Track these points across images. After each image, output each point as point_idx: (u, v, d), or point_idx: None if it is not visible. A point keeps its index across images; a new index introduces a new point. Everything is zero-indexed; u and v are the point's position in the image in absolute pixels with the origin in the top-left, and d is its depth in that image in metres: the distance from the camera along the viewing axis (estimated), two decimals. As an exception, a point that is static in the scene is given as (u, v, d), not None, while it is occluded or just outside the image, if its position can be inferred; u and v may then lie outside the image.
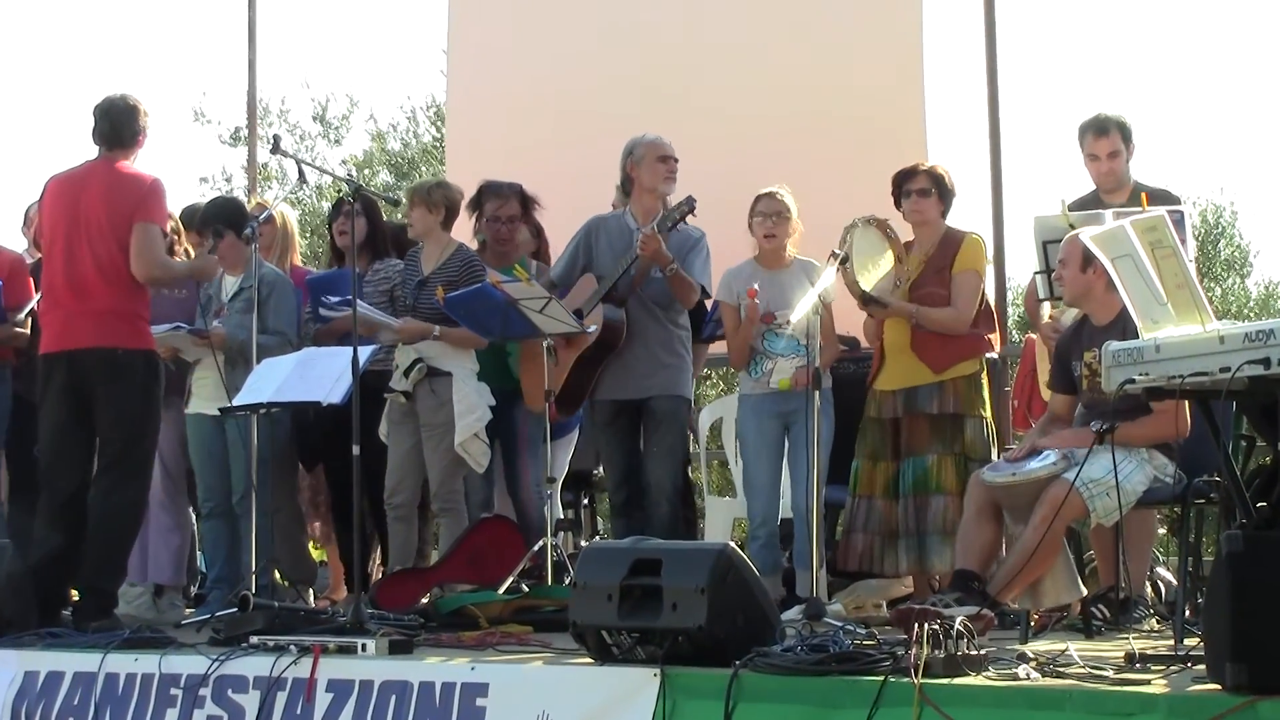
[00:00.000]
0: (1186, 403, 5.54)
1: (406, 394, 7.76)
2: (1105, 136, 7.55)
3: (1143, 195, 7.24)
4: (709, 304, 8.06)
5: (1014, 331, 9.86)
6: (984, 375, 7.40)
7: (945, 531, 7.11)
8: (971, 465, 7.16)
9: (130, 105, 7.28)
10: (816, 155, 8.95)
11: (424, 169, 24.57)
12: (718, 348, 8.28)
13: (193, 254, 8.19)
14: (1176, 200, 7.36)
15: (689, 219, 7.51)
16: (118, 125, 7.26)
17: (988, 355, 7.53)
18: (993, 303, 8.39)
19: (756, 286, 7.45)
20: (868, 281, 7.25)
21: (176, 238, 8.18)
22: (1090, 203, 7.45)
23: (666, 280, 7.52)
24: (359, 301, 7.24)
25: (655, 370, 7.61)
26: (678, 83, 9.47)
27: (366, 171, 26.12)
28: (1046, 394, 7.54)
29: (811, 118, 9.17)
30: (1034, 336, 7.92)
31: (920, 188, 7.42)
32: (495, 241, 8.25)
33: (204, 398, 7.93)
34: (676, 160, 7.75)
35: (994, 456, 7.17)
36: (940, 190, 7.44)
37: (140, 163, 7.34)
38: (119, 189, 7.18)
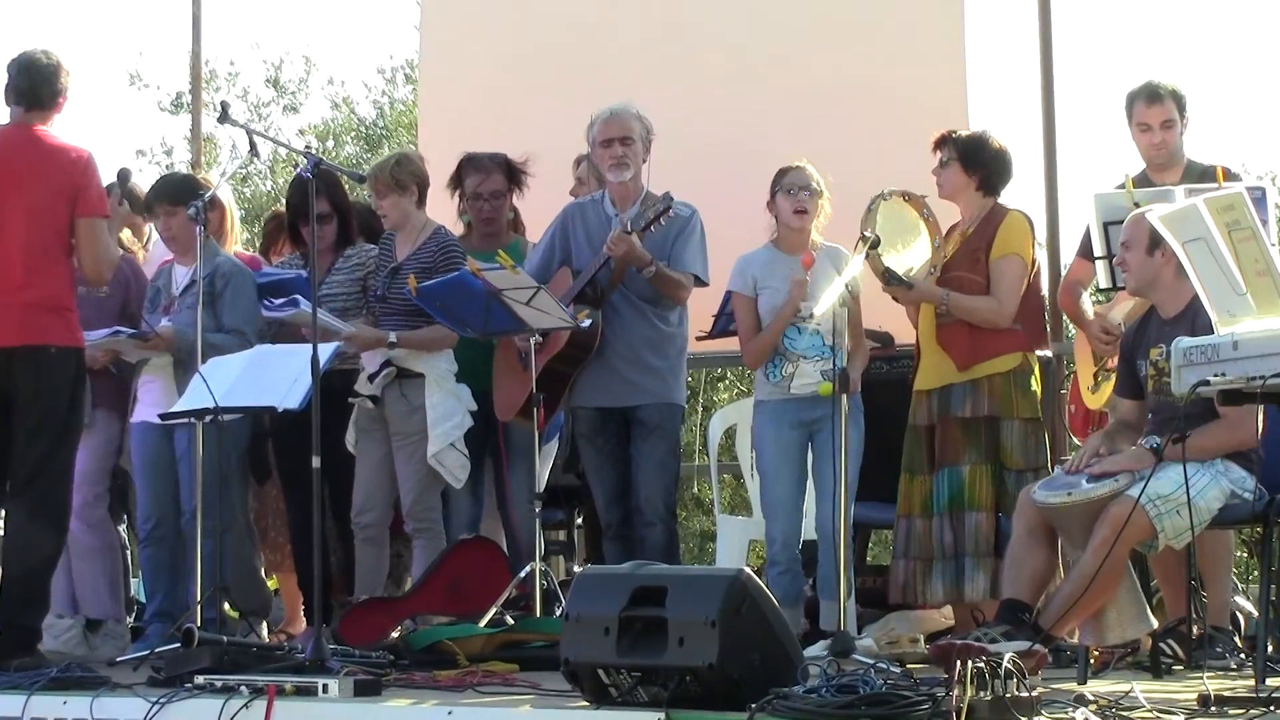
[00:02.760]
0: (1260, 407, 5.53)
1: (374, 398, 7.75)
2: (1158, 104, 7.57)
3: (1219, 170, 7.23)
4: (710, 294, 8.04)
5: (1069, 327, 9.85)
6: (1034, 373, 7.35)
7: (979, 553, 7.11)
8: (1007, 476, 7.16)
9: (53, 63, 7.26)
10: (842, 128, 8.93)
11: (397, 139, 24.50)
12: (729, 344, 8.26)
13: (130, 233, 8.17)
14: (1239, 178, 7.37)
15: (665, 217, 7.47)
16: (37, 84, 7.24)
17: (1039, 353, 7.49)
18: (1046, 292, 8.36)
19: (816, 253, 7.39)
20: (895, 261, 7.21)
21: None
22: (1139, 183, 7.44)
23: (649, 283, 7.52)
24: (301, 300, 7.20)
25: (643, 375, 7.62)
26: (684, 40, 9.43)
27: (330, 144, 26.10)
28: (1090, 399, 7.55)
29: (837, 85, 9.14)
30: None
31: (940, 158, 7.42)
32: (481, 222, 8.26)
33: (151, 405, 7.90)
34: (625, 140, 7.65)
35: (1045, 465, 7.16)
36: (964, 159, 7.37)
37: (57, 128, 7.30)
38: (51, 165, 7.14)
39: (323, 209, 7.82)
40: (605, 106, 7.78)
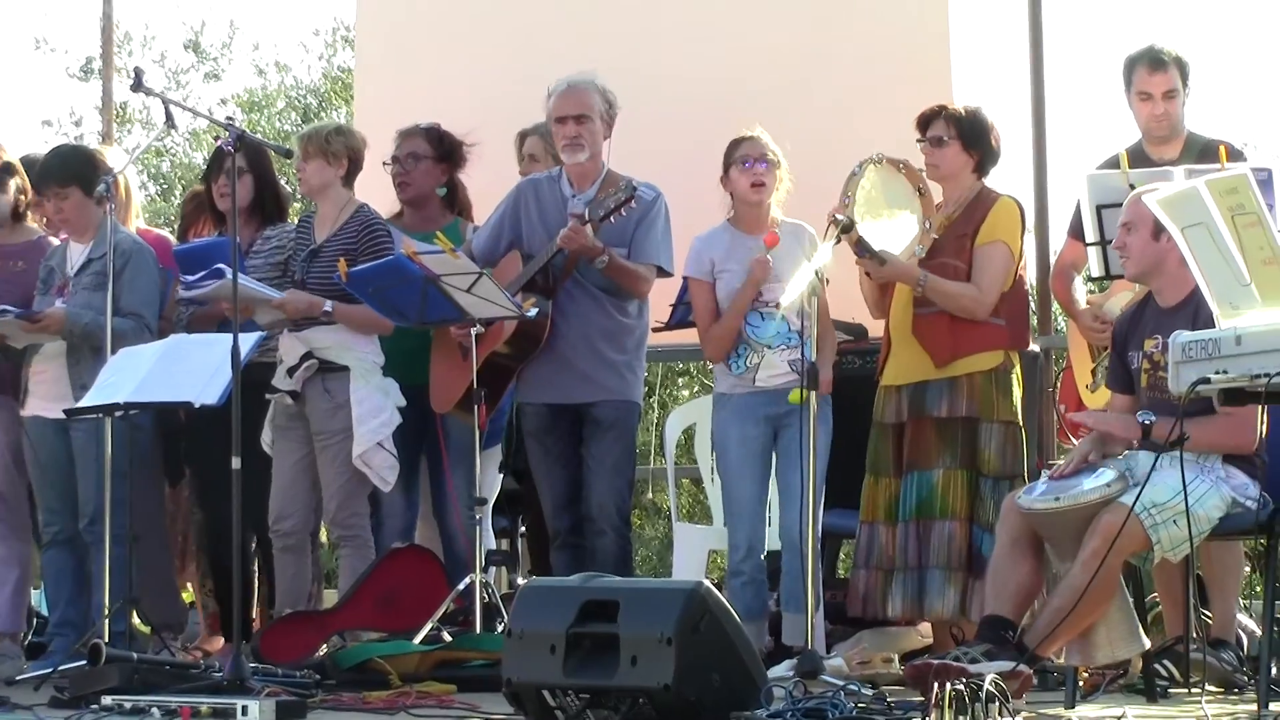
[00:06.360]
0: (1263, 407, 5.54)
1: (294, 394, 7.72)
2: (1162, 71, 7.60)
3: (1221, 149, 7.26)
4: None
5: (1060, 319, 9.87)
6: (1015, 372, 7.35)
7: (950, 566, 7.12)
8: (983, 483, 7.17)
9: None
10: (816, 101, 8.93)
11: (335, 111, 24.40)
12: (690, 336, 8.25)
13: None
14: (1243, 157, 7.41)
15: (627, 208, 7.45)
16: None
17: (1018, 350, 7.48)
18: (1034, 281, 8.36)
19: (778, 230, 7.38)
20: (873, 234, 7.14)
21: (22, 197, 8.14)
22: (1134, 158, 7.47)
23: (602, 274, 7.52)
24: (225, 269, 7.20)
25: (598, 369, 7.62)
26: (644, 2, 9.42)
27: (254, 115, 25.95)
28: (1089, 399, 7.56)
29: (810, 54, 9.13)
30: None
31: (933, 135, 7.39)
32: (396, 188, 8.25)
33: (43, 396, 7.89)
34: (580, 118, 7.64)
35: (1022, 473, 7.16)
36: (965, 138, 7.35)
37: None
38: None
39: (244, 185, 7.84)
40: (563, 77, 7.75)
